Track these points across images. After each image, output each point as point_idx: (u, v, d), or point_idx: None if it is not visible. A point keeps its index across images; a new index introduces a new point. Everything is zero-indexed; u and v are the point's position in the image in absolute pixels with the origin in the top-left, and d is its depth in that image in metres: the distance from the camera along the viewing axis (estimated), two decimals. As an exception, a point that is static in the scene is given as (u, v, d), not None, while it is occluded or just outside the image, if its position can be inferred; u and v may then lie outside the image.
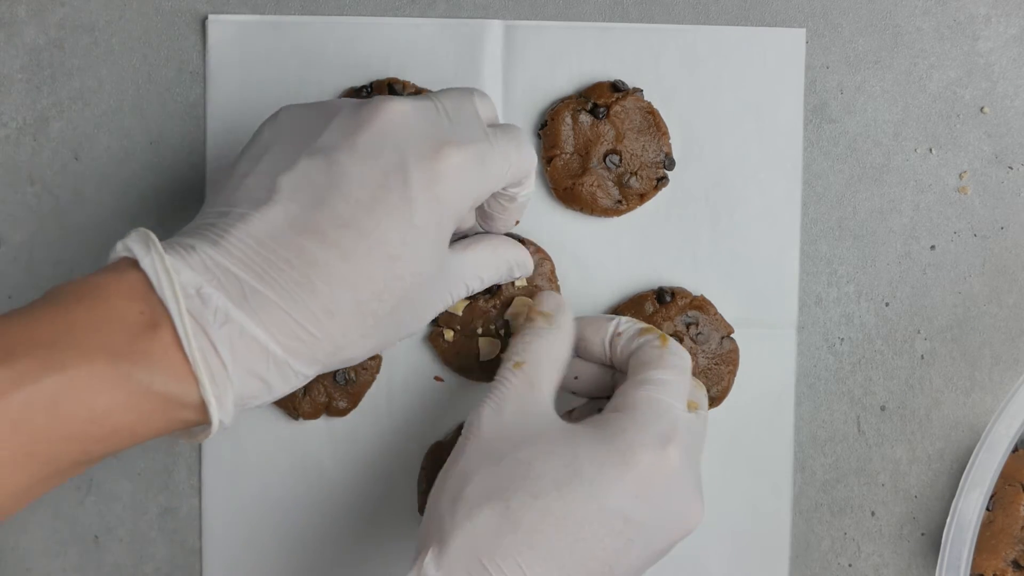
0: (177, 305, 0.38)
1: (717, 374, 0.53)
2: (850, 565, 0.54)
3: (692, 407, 0.46)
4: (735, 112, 0.53)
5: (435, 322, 0.53)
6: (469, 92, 0.45)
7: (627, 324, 0.48)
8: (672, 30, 0.53)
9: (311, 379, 0.42)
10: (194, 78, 0.54)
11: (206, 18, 0.54)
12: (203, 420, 0.39)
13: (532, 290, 0.53)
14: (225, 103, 0.54)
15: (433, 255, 0.42)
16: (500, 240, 0.50)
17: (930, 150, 0.54)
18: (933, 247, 0.54)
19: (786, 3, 0.54)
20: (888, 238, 0.54)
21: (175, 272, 0.38)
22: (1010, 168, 0.54)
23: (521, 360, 0.46)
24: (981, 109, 0.54)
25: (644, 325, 0.48)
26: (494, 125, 0.46)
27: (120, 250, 0.40)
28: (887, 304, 0.54)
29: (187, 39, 0.54)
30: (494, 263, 0.49)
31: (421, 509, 0.53)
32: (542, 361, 0.46)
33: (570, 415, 0.50)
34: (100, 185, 0.54)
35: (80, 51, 0.54)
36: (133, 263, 0.39)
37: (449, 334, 0.53)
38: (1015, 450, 0.53)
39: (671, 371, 0.45)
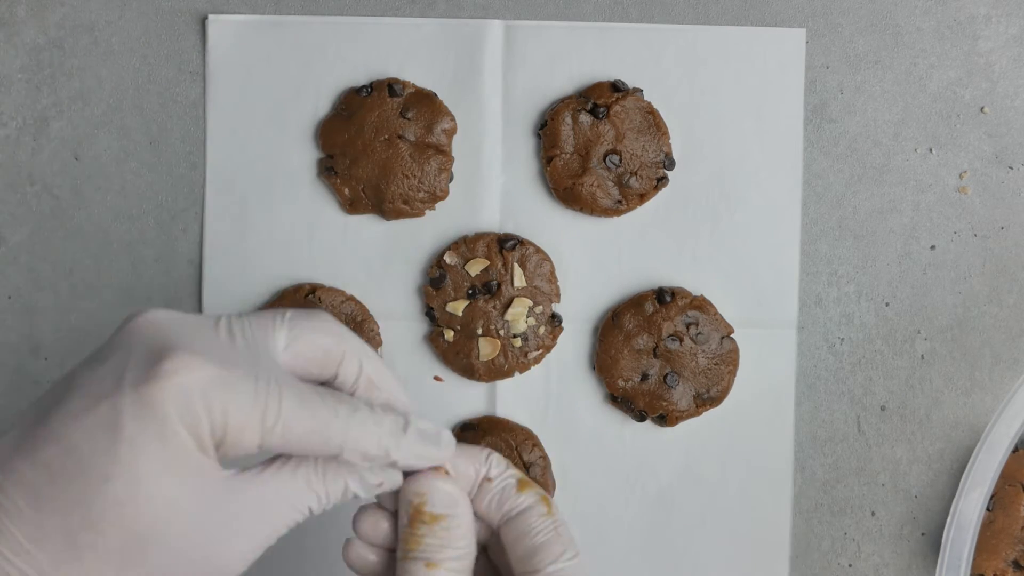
0: None
1: (717, 374, 0.53)
2: (850, 565, 0.54)
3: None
4: (735, 112, 0.53)
5: (435, 322, 0.53)
6: (279, 322, 0.37)
7: (498, 468, 0.40)
8: (672, 30, 0.53)
9: None
10: (194, 78, 0.54)
11: (206, 18, 0.54)
12: None
13: (532, 291, 0.53)
14: (225, 103, 0.54)
15: (165, 480, 0.34)
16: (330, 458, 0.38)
17: (930, 150, 0.54)
18: (933, 247, 0.54)
19: (786, 3, 0.54)
20: (888, 238, 0.54)
21: None
22: (1010, 168, 0.54)
23: (434, 563, 0.38)
24: (981, 109, 0.54)
25: (519, 475, 0.40)
26: (316, 379, 0.38)
27: None
28: (887, 304, 0.54)
29: (187, 39, 0.54)
30: (331, 481, 0.37)
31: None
32: (450, 562, 0.38)
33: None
34: (100, 185, 0.54)
35: (80, 51, 0.54)
36: None
37: (449, 334, 0.53)
38: (1015, 450, 0.53)
39: (571, 549, 0.39)
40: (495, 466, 0.40)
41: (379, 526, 0.40)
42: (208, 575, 0.36)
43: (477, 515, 0.40)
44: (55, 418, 0.34)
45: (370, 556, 0.40)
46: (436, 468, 0.38)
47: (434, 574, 0.38)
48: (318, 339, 0.38)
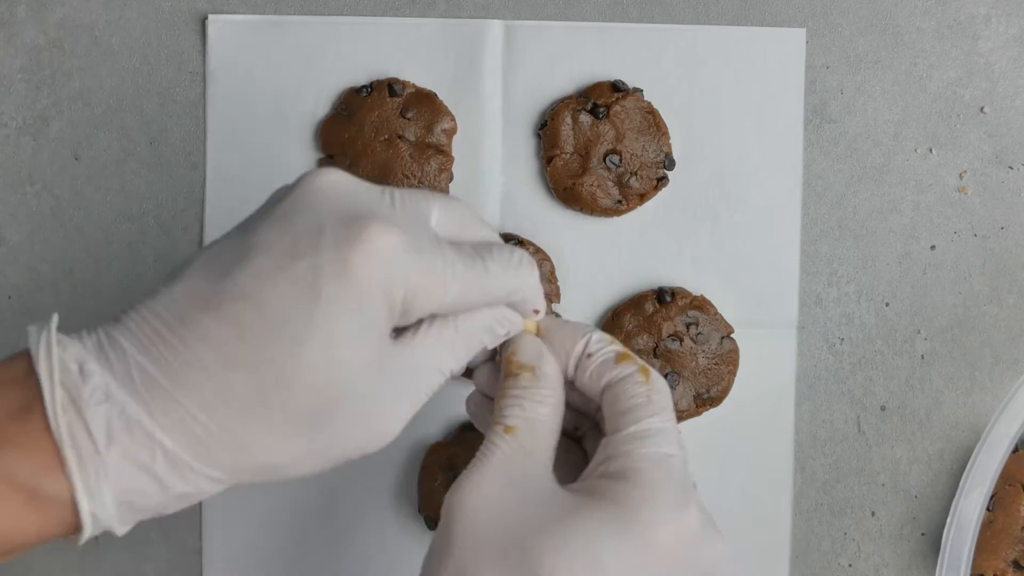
0: (50, 379, 0.33)
1: (717, 374, 0.53)
2: (850, 565, 0.54)
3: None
4: (735, 112, 0.53)
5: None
6: (430, 196, 0.39)
7: (599, 344, 0.41)
8: (672, 30, 0.53)
9: (226, 486, 0.36)
10: (194, 78, 0.54)
11: (206, 18, 0.54)
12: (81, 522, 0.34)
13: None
14: (225, 103, 0.54)
15: (356, 344, 0.35)
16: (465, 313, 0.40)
17: (930, 150, 0.54)
18: (933, 247, 0.54)
19: (786, 3, 0.54)
20: (888, 238, 0.54)
21: (57, 347, 0.34)
22: (1010, 168, 0.54)
23: (512, 424, 0.39)
24: (981, 109, 0.54)
25: (620, 348, 0.41)
26: (472, 243, 0.39)
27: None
28: (887, 304, 0.54)
29: (187, 39, 0.54)
30: (466, 336, 0.39)
31: (421, 508, 0.53)
32: (535, 423, 0.39)
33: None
34: (100, 185, 0.54)
35: (80, 51, 0.54)
36: (27, 350, 0.35)
37: (449, 334, 0.53)
38: (1015, 450, 0.53)
39: (664, 414, 0.40)
40: (595, 342, 0.41)
41: (491, 377, 0.42)
42: (373, 439, 0.37)
43: (580, 389, 0.41)
44: (243, 275, 0.34)
45: (484, 402, 0.43)
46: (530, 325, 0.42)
47: (515, 413, 0.40)
48: (459, 211, 0.39)
